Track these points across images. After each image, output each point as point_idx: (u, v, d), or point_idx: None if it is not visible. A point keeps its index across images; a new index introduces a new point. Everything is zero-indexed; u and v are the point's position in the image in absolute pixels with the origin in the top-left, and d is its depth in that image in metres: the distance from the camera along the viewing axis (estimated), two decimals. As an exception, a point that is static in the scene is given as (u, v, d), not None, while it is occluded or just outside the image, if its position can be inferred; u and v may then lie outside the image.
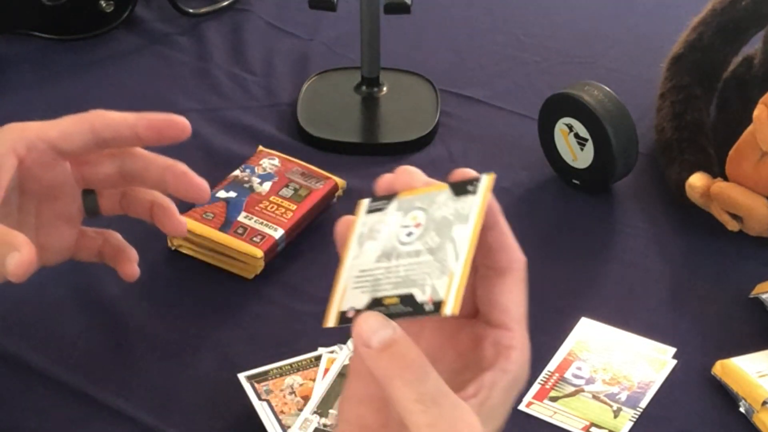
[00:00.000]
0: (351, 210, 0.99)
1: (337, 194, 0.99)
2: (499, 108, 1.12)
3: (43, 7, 1.18)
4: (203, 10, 1.24)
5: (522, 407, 0.81)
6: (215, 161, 1.04)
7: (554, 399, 0.82)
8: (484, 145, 1.07)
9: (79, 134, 0.76)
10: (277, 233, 0.92)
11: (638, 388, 0.82)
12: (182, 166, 0.78)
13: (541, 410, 0.81)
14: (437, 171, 1.04)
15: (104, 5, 1.20)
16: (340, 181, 0.98)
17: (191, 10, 1.24)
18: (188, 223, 0.92)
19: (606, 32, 1.23)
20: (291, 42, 1.21)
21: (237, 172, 0.98)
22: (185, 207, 0.95)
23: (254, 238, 0.91)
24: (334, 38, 1.21)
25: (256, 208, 0.94)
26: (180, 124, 0.77)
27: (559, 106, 0.99)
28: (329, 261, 0.94)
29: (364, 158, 1.05)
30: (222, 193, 0.95)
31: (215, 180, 0.99)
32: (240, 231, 0.92)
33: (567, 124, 0.99)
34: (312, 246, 0.95)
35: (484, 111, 1.11)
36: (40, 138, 0.75)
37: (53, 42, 1.20)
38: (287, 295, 0.91)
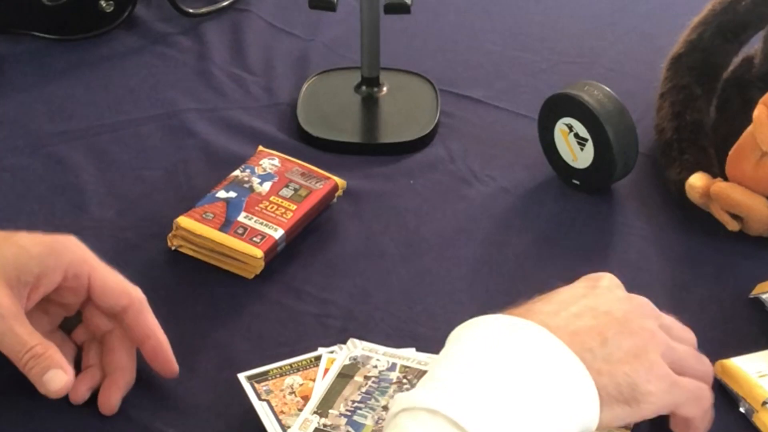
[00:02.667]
0: (351, 210, 0.99)
1: (336, 194, 0.99)
2: (499, 108, 1.12)
3: (43, 7, 1.18)
4: (203, 10, 1.24)
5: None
6: (215, 161, 1.04)
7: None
8: (484, 145, 1.07)
9: (114, 303, 0.80)
10: (277, 233, 0.92)
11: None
12: (159, 340, 0.81)
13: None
14: (437, 171, 1.04)
15: (104, 5, 1.20)
16: (340, 181, 0.98)
17: (191, 10, 1.24)
18: (188, 223, 0.92)
19: (606, 32, 1.23)
20: (291, 42, 1.21)
21: (237, 172, 0.98)
22: (185, 207, 0.95)
23: (254, 238, 0.91)
24: (334, 38, 1.21)
25: (256, 208, 0.94)
26: (171, 371, 0.81)
27: (559, 106, 0.99)
28: (329, 261, 0.94)
29: (364, 158, 1.05)
30: (222, 193, 0.95)
31: (215, 180, 0.99)
32: (240, 231, 0.92)
33: (567, 124, 0.99)
34: (312, 246, 0.95)
35: (484, 111, 1.11)
36: (92, 278, 0.79)
37: (53, 42, 1.20)
38: (287, 295, 0.91)
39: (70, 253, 0.79)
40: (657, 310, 0.76)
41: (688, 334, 0.77)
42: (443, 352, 0.71)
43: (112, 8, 1.20)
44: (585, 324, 0.71)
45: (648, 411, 0.70)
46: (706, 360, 0.77)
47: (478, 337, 0.71)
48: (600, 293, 0.75)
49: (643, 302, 0.76)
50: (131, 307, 0.80)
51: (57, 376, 0.75)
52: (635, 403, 0.69)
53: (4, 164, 1.04)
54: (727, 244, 0.95)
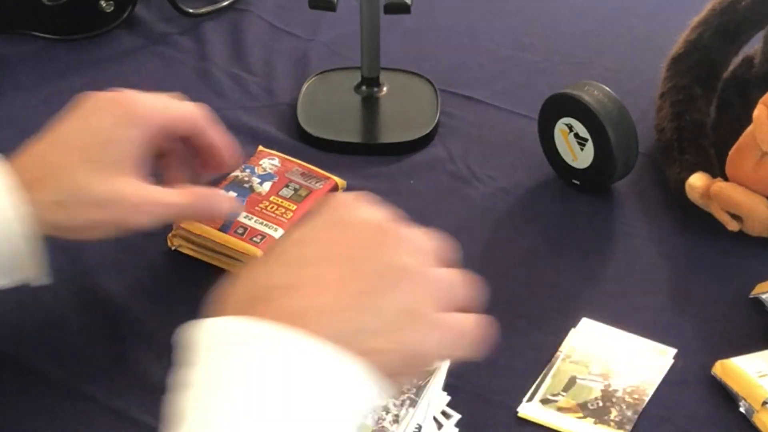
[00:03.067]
0: (351, 210, 0.99)
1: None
2: (499, 108, 1.12)
3: (43, 7, 1.18)
4: (203, 10, 1.24)
5: (519, 410, 0.81)
6: (215, 161, 1.04)
7: (553, 402, 0.82)
8: (484, 145, 1.07)
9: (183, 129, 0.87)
10: (277, 233, 0.92)
11: (638, 389, 0.82)
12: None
13: (539, 413, 0.81)
14: (437, 171, 1.04)
15: (104, 5, 1.20)
16: (340, 181, 0.98)
17: (191, 10, 1.23)
18: (188, 223, 0.92)
19: (606, 32, 1.23)
20: (291, 42, 1.21)
21: (237, 172, 0.98)
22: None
23: (254, 238, 0.91)
24: (334, 38, 1.21)
25: (257, 208, 0.94)
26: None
27: (559, 106, 0.99)
28: (329, 261, 0.94)
29: (364, 158, 1.05)
30: (222, 193, 0.95)
31: (215, 180, 0.99)
32: (240, 231, 0.92)
33: (567, 124, 0.99)
34: (312, 246, 0.95)
35: (484, 111, 1.11)
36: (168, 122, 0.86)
37: (53, 42, 1.20)
38: (287, 295, 0.91)
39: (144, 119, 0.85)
40: (402, 229, 0.67)
41: (436, 246, 0.68)
42: (190, 366, 0.61)
43: (112, 8, 1.20)
44: (349, 294, 0.60)
45: (434, 365, 0.69)
46: (462, 280, 0.68)
47: (228, 356, 0.59)
48: (353, 236, 0.64)
49: (391, 229, 0.66)
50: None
51: (222, 202, 0.88)
52: (423, 364, 0.66)
53: (4, 164, 1.03)
54: (727, 244, 0.95)
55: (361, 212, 0.66)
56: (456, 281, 0.67)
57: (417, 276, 0.63)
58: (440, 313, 0.63)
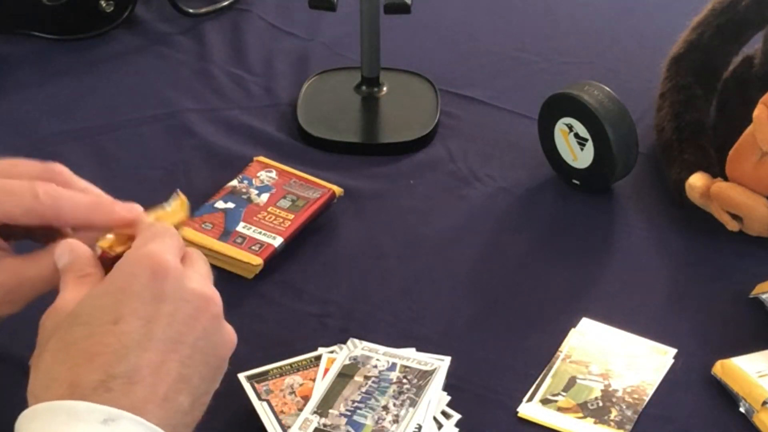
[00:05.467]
0: (351, 210, 0.99)
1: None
2: (499, 108, 1.12)
3: (43, 7, 1.18)
4: (203, 10, 1.24)
5: (519, 410, 0.81)
6: (215, 161, 1.04)
7: (553, 402, 0.82)
8: (484, 145, 1.07)
9: (24, 220, 0.69)
10: (276, 241, 0.92)
11: (638, 389, 0.82)
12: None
13: (539, 413, 0.81)
14: (437, 171, 1.04)
15: (104, 5, 1.20)
16: (338, 189, 0.98)
17: (191, 10, 1.23)
18: (187, 232, 0.92)
19: (606, 32, 1.23)
20: (291, 42, 1.21)
21: (234, 183, 0.98)
22: (185, 207, 0.95)
23: (253, 247, 0.91)
24: (334, 38, 1.21)
25: (255, 218, 0.94)
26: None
27: (559, 106, 0.99)
28: (329, 261, 0.94)
29: (364, 158, 1.05)
30: (220, 204, 0.95)
31: (215, 180, 0.99)
32: (239, 240, 0.92)
33: (567, 124, 0.99)
34: (312, 246, 0.95)
35: (484, 111, 1.11)
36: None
37: (53, 42, 1.20)
38: (287, 295, 0.91)
39: None
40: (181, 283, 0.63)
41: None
42: None
43: (112, 8, 1.20)
44: (171, 378, 0.60)
45: None
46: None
47: None
48: (175, 305, 0.62)
49: (202, 300, 0.63)
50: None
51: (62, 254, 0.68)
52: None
53: (4, 164, 1.03)
54: (727, 244, 0.95)
55: (178, 283, 0.63)
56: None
57: (223, 340, 0.65)
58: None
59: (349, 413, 0.78)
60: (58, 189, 0.69)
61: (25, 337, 0.86)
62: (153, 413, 0.58)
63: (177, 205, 0.74)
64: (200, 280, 0.64)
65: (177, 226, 0.71)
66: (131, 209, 0.71)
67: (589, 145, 0.98)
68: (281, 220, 0.94)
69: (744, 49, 1.04)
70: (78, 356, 0.59)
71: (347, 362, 0.82)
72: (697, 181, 0.95)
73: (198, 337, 0.62)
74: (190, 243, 0.91)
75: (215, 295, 0.64)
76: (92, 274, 0.65)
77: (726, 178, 0.95)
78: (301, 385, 0.81)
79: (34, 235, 0.73)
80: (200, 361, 0.62)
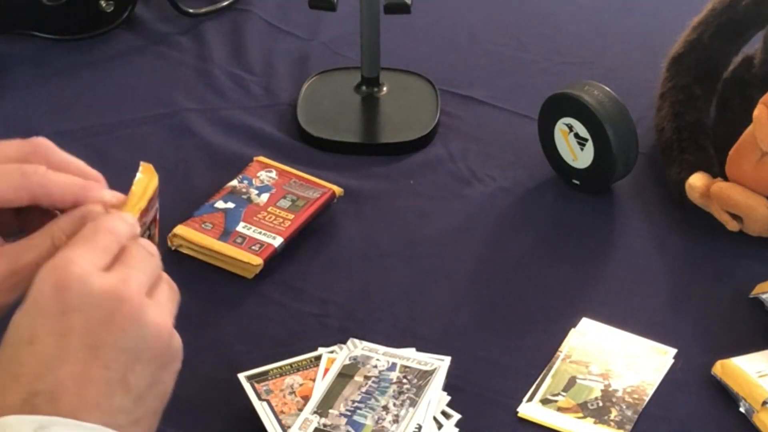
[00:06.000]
0: (351, 210, 0.99)
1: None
2: (499, 108, 1.12)
3: (43, 7, 1.18)
4: (203, 10, 1.24)
5: (519, 410, 0.81)
6: (215, 161, 1.04)
7: (553, 402, 0.82)
8: (484, 145, 1.07)
9: (14, 198, 0.68)
10: (276, 241, 0.92)
11: (638, 389, 0.82)
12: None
13: (539, 413, 0.81)
14: (437, 171, 1.04)
15: (104, 5, 1.20)
16: (338, 189, 0.98)
17: (191, 10, 1.23)
18: (187, 232, 0.92)
19: (606, 32, 1.23)
20: (291, 42, 1.21)
21: (235, 183, 0.98)
22: (185, 208, 0.95)
23: (253, 247, 0.91)
24: (334, 38, 1.21)
25: (255, 218, 0.94)
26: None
27: (559, 106, 0.99)
28: (329, 261, 0.94)
29: (364, 158, 1.05)
30: (220, 204, 0.95)
31: (215, 180, 0.99)
32: (239, 240, 0.92)
33: (567, 124, 0.99)
34: (312, 246, 0.95)
35: (484, 111, 1.11)
36: None
37: (53, 42, 1.20)
38: (287, 295, 0.91)
39: None
40: (136, 284, 0.62)
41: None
42: None
43: (112, 8, 1.20)
44: (98, 384, 0.59)
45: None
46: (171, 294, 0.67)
47: None
48: (83, 323, 0.60)
49: (119, 295, 0.61)
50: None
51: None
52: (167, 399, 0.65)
53: (4, 164, 1.03)
54: (727, 244, 0.95)
55: (83, 289, 0.61)
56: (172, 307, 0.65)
57: (160, 339, 0.63)
58: (170, 358, 0.64)
59: (349, 413, 0.78)
60: (47, 171, 0.69)
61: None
62: (87, 419, 0.58)
63: (143, 180, 0.72)
64: (116, 278, 0.62)
65: (150, 199, 0.70)
66: (118, 198, 0.70)
67: (589, 145, 0.98)
68: (281, 220, 0.94)
69: (744, 49, 1.04)
70: (4, 377, 0.59)
71: (347, 362, 0.82)
72: (697, 181, 0.95)
73: (118, 338, 0.61)
74: (190, 243, 0.92)
75: (128, 290, 0.62)
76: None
77: (726, 178, 0.95)
78: (301, 385, 0.81)
79: (28, 227, 0.72)
80: (129, 359, 0.61)
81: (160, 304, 0.63)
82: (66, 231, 0.66)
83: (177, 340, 0.63)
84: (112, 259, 0.63)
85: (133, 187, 0.71)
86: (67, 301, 0.60)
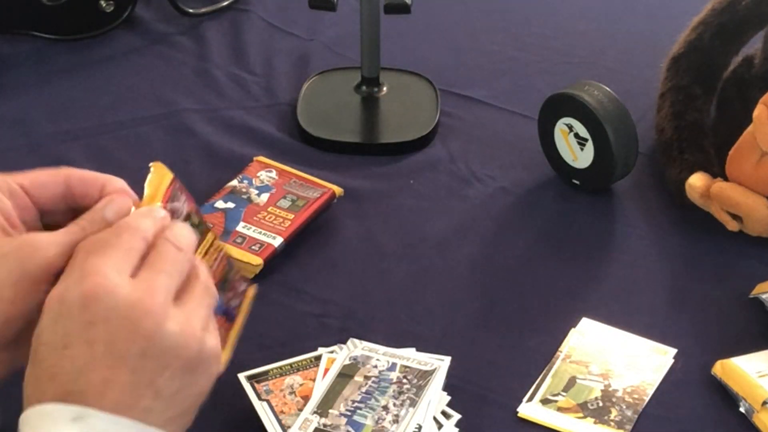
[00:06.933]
0: (351, 210, 0.99)
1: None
2: (499, 108, 1.12)
3: (43, 7, 1.18)
4: (203, 10, 1.24)
5: (519, 410, 0.81)
6: (215, 161, 1.04)
7: (553, 402, 0.82)
8: (484, 145, 1.07)
9: (52, 185, 0.71)
10: (276, 241, 0.92)
11: (638, 389, 0.82)
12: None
13: (539, 413, 0.81)
14: (437, 171, 1.04)
15: (104, 5, 1.20)
16: (338, 189, 0.98)
17: (191, 10, 1.24)
18: None
19: (606, 32, 1.23)
20: (291, 42, 1.21)
21: (235, 183, 0.98)
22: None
23: (253, 247, 0.91)
24: (334, 38, 1.21)
25: (255, 218, 0.94)
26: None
27: (559, 106, 0.99)
28: (329, 261, 0.94)
29: (364, 158, 1.05)
30: (220, 204, 0.95)
31: (215, 180, 0.99)
32: (239, 240, 0.92)
33: (567, 124, 0.99)
34: (312, 246, 0.95)
35: (484, 111, 1.11)
36: (17, 183, 0.71)
37: (53, 42, 1.20)
38: (287, 295, 0.91)
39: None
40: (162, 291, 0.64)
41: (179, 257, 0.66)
42: None
43: (112, 8, 1.20)
44: (123, 390, 0.62)
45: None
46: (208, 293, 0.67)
47: None
48: (108, 324, 0.63)
49: (148, 305, 0.63)
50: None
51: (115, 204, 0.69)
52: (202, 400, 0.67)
53: (4, 164, 1.03)
54: (727, 244, 0.95)
55: (110, 302, 0.63)
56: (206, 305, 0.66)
57: (190, 342, 0.64)
58: (203, 359, 0.65)
59: (349, 413, 0.78)
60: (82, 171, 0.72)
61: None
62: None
63: (154, 179, 0.71)
64: (141, 290, 0.63)
65: (167, 195, 0.70)
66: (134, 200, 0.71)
67: (589, 145, 0.98)
68: (281, 220, 0.94)
69: (744, 49, 1.04)
70: (42, 375, 0.63)
71: (347, 362, 0.82)
72: (697, 181, 0.95)
73: (144, 347, 0.63)
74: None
75: (152, 302, 0.63)
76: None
77: (726, 178, 0.95)
78: (301, 385, 0.81)
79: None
80: (157, 366, 0.63)
81: (189, 311, 0.64)
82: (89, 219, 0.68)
83: (209, 345, 0.65)
84: (140, 259, 0.64)
85: (146, 188, 0.70)
86: (94, 312, 0.62)
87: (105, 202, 0.69)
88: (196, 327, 0.64)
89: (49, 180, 0.72)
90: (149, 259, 0.65)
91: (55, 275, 0.65)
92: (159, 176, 0.71)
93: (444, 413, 0.80)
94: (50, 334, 0.63)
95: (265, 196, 0.97)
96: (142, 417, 0.62)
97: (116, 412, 0.61)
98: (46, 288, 0.65)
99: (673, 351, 0.85)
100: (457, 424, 0.79)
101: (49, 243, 0.66)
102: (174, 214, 0.69)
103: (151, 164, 0.72)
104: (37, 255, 0.66)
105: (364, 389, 0.80)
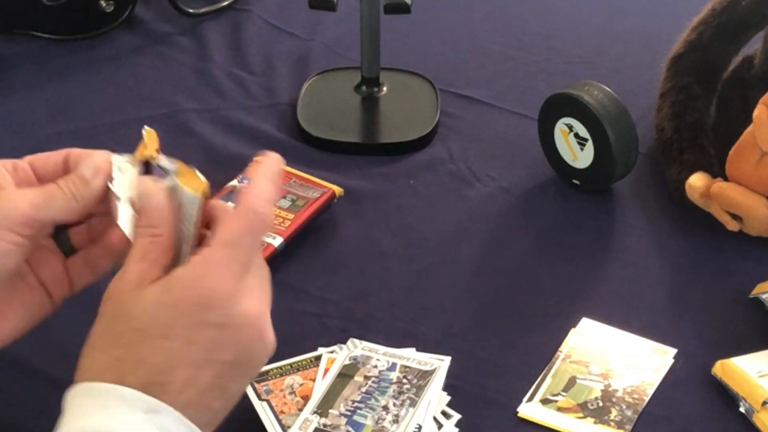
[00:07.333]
0: (351, 210, 0.99)
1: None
2: (499, 108, 1.12)
3: (43, 7, 1.18)
4: (203, 10, 1.24)
5: (519, 410, 0.81)
6: (215, 161, 1.04)
7: (553, 402, 0.82)
8: (484, 145, 1.07)
9: (53, 162, 0.73)
10: (276, 241, 0.92)
11: (638, 389, 0.82)
12: None
13: (539, 413, 0.81)
14: (437, 171, 1.04)
15: (104, 5, 1.20)
16: (338, 189, 0.98)
17: (191, 10, 1.24)
18: None
19: (606, 32, 1.23)
20: (291, 42, 1.21)
21: (235, 183, 0.98)
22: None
23: None
24: (334, 38, 1.21)
25: None
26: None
27: (559, 106, 0.99)
28: (329, 261, 0.94)
29: (364, 158, 1.05)
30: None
31: (214, 180, 0.99)
32: None
33: (567, 124, 0.99)
34: (312, 246, 0.95)
35: (484, 111, 1.11)
36: (25, 160, 0.73)
37: (53, 42, 1.20)
38: (287, 295, 0.91)
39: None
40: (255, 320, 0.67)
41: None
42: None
43: (112, 8, 1.20)
44: (201, 390, 0.64)
45: None
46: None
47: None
48: (215, 331, 0.65)
49: (254, 327, 0.67)
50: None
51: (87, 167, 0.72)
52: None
53: (4, 164, 1.04)
54: (727, 244, 0.95)
55: (223, 313, 0.66)
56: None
57: (264, 357, 0.68)
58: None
59: (349, 413, 0.78)
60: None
61: (25, 337, 0.86)
62: (185, 415, 0.63)
63: (148, 140, 0.74)
64: (254, 310, 0.67)
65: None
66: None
67: (589, 145, 0.98)
68: (281, 220, 0.94)
69: (744, 49, 1.04)
70: (128, 358, 0.63)
71: (347, 362, 0.82)
72: (697, 181, 0.95)
73: (237, 356, 0.65)
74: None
75: (260, 316, 0.67)
76: (163, 235, 0.67)
77: (726, 178, 0.95)
78: (301, 385, 0.81)
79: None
80: (237, 372, 0.66)
81: (270, 326, 0.68)
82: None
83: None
84: (248, 262, 0.68)
85: (139, 146, 0.73)
86: (205, 317, 0.64)
87: (82, 160, 0.72)
88: (273, 340, 0.68)
89: (51, 157, 0.74)
90: (253, 271, 0.68)
91: (27, 228, 0.68)
92: (151, 136, 0.74)
93: (444, 413, 0.80)
94: (149, 320, 0.64)
95: (265, 196, 0.96)
96: (206, 416, 0.64)
97: (186, 409, 0.63)
98: (13, 239, 0.68)
99: (673, 351, 0.85)
100: (457, 424, 0.79)
101: (24, 195, 0.69)
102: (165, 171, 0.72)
103: (144, 128, 0.74)
104: (8, 205, 0.69)
105: (364, 389, 0.80)
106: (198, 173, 0.72)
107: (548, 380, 0.83)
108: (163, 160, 0.73)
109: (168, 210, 0.68)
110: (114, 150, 1.03)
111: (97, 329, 0.66)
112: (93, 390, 0.63)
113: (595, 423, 0.80)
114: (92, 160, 0.72)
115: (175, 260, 0.68)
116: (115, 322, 0.65)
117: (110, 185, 0.71)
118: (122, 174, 0.72)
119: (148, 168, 0.73)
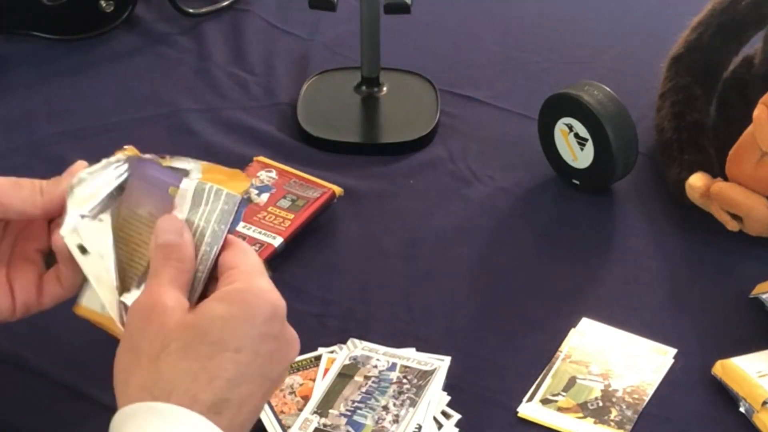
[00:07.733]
0: (351, 210, 0.99)
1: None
2: (499, 108, 1.12)
3: (43, 7, 1.18)
4: (203, 10, 1.24)
5: (519, 410, 0.81)
6: (215, 161, 1.04)
7: (553, 402, 0.82)
8: (484, 145, 1.07)
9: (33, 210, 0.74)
10: (276, 241, 0.92)
11: (638, 389, 0.82)
12: None
13: (539, 413, 0.81)
14: (437, 171, 1.04)
15: (104, 5, 1.20)
16: (338, 189, 0.98)
17: (191, 10, 1.24)
18: None
19: (606, 32, 1.23)
20: (291, 42, 1.21)
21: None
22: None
23: (253, 247, 0.91)
24: (334, 38, 1.21)
25: (255, 218, 0.94)
26: None
27: (559, 106, 0.99)
28: (329, 261, 0.94)
29: (364, 158, 1.05)
30: None
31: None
32: None
33: (567, 124, 0.99)
34: (312, 246, 0.95)
35: (484, 111, 1.11)
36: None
37: (53, 42, 1.20)
38: (287, 295, 0.90)
39: None
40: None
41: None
42: None
43: (112, 8, 1.20)
44: (253, 407, 0.65)
45: None
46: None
47: None
48: (273, 341, 0.66)
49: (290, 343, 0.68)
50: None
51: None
52: None
53: (4, 164, 1.03)
54: (727, 244, 0.95)
55: (284, 328, 0.67)
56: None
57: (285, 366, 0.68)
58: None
59: (349, 413, 0.78)
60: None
61: (25, 337, 0.86)
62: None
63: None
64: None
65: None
66: None
67: (589, 145, 0.98)
68: (281, 220, 0.94)
69: (744, 49, 1.04)
70: (201, 374, 0.63)
71: (347, 362, 0.82)
72: (697, 181, 0.95)
73: (281, 372, 0.66)
74: None
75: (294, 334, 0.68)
76: (190, 271, 0.68)
77: (726, 178, 0.95)
78: (301, 385, 0.81)
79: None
80: (272, 389, 0.67)
81: None
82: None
83: None
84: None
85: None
86: (272, 328, 0.65)
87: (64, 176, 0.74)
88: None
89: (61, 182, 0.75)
90: None
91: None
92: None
93: (444, 413, 0.80)
94: (223, 335, 0.63)
95: (265, 196, 0.97)
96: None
97: (242, 428, 0.64)
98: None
99: (673, 351, 0.85)
100: (457, 424, 0.79)
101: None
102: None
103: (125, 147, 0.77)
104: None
105: (364, 389, 0.80)
106: (240, 173, 0.74)
107: (548, 380, 0.83)
108: (177, 162, 0.74)
109: (191, 248, 0.69)
110: (114, 150, 1.03)
111: (128, 347, 0.66)
112: (162, 410, 0.61)
113: (595, 423, 0.80)
114: (72, 167, 0.74)
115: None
116: (183, 340, 0.64)
117: (68, 192, 0.73)
118: (95, 189, 0.75)
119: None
